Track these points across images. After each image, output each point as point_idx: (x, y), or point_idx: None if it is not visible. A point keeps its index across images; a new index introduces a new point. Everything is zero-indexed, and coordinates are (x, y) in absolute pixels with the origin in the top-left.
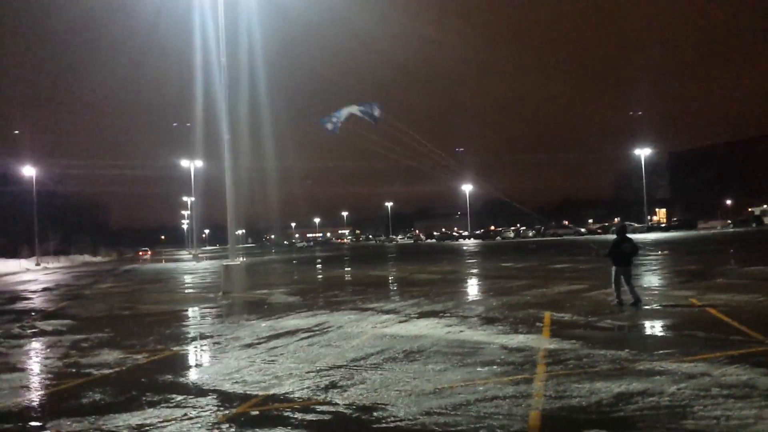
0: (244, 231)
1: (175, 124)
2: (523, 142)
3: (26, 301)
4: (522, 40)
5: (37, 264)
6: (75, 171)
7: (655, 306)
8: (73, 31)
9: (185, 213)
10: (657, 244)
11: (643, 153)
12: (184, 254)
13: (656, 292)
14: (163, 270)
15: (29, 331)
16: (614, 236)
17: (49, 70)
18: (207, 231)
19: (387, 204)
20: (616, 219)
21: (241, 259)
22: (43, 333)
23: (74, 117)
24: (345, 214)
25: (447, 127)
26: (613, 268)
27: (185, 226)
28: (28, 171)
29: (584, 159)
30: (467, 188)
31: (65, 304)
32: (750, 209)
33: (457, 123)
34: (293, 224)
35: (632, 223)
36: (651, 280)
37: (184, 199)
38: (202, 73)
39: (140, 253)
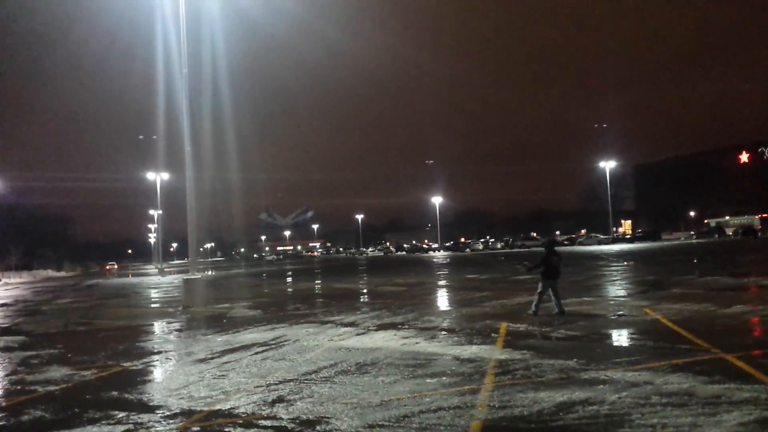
0: (213, 244)
1: (141, 137)
2: (493, 153)
3: None
4: (490, 52)
5: None
6: (39, 184)
7: (609, 316)
8: (36, 41)
9: (152, 227)
10: (619, 255)
11: (608, 165)
12: (151, 268)
13: (612, 302)
14: (126, 284)
15: None
16: (543, 249)
17: (10, 81)
18: (175, 245)
19: (358, 216)
20: (582, 230)
21: (202, 273)
22: None
23: (38, 129)
24: (316, 226)
25: (417, 138)
26: (543, 281)
27: (152, 240)
28: None
29: (554, 171)
30: (437, 200)
31: (20, 320)
32: (706, 221)
33: (426, 134)
34: (263, 237)
35: (597, 235)
36: (609, 290)
37: (151, 212)
38: (166, 85)
39: (107, 267)
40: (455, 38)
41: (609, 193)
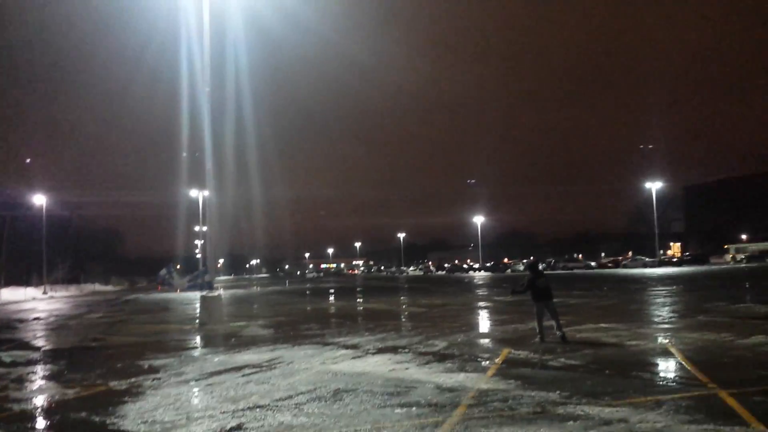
0: (258, 261)
1: (184, 154)
2: (539, 174)
3: (9, 331)
4: (537, 72)
5: (44, 292)
6: (89, 199)
7: (619, 344)
8: (64, 60)
9: (198, 242)
10: (660, 280)
11: (654, 186)
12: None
13: (628, 329)
14: (162, 300)
15: None
16: (527, 273)
17: (60, 103)
18: (222, 260)
19: (400, 235)
20: (629, 253)
21: (219, 290)
22: None
23: (89, 148)
24: (358, 244)
25: (460, 158)
26: (535, 305)
27: (198, 256)
28: (39, 199)
29: (600, 192)
30: (479, 220)
31: (42, 335)
32: (726, 246)
33: (470, 155)
34: (307, 254)
35: (643, 258)
36: (632, 316)
37: (196, 228)
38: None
39: (159, 284)
40: (499, 60)
41: (655, 215)
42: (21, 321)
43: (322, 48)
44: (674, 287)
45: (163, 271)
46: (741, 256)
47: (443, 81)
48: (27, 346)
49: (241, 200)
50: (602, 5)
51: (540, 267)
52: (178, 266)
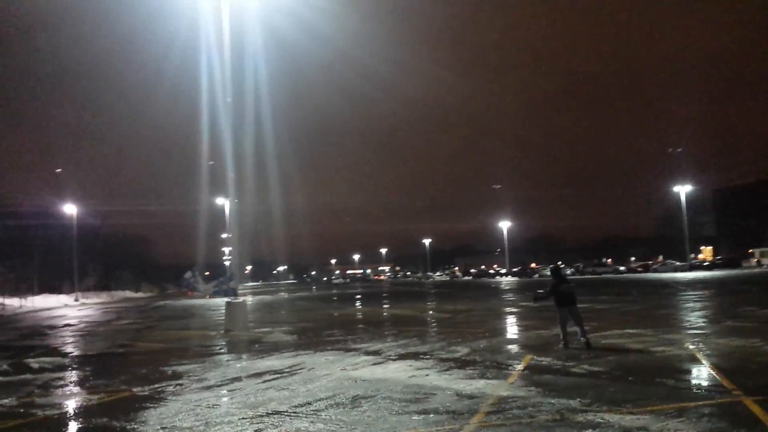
0: (286, 267)
1: (211, 162)
2: (567, 179)
3: (39, 337)
4: (562, 76)
5: (76, 300)
6: (119, 208)
7: (644, 350)
8: (87, 72)
9: (226, 250)
10: (690, 284)
11: (683, 190)
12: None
13: (655, 335)
14: (190, 306)
15: (12, 369)
16: (552, 278)
17: (87, 113)
18: (249, 267)
19: (426, 241)
20: (659, 257)
21: (243, 297)
22: (24, 370)
23: (116, 157)
24: (384, 250)
25: (483, 165)
26: (558, 311)
27: (227, 263)
28: (70, 208)
29: (629, 196)
30: (505, 225)
31: (71, 341)
32: (750, 251)
33: (492, 161)
34: (333, 261)
35: (673, 262)
36: (659, 321)
37: (223, 236)
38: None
39: (190, 291)
40: (523, 66)
41: (686, 218)
42: (51, 327)
43: (341, 59)
44: (704, 292)
45: (188, 274)
46: (766, 259)
47: (466, 89)
48: (55, 352)
49: (268, 208)
50: (628, 10)
51: (563, 272)
52: (207, 273)
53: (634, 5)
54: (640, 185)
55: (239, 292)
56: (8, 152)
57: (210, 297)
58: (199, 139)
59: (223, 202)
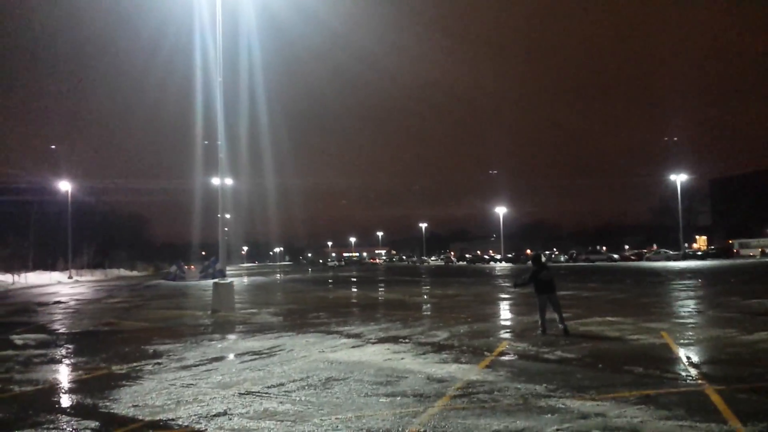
0: (282, 249)
1: (206, 142)
2: (564, 166)
3: (28, 314)
4: (560, 64)
5: (70, 277)
6: (115, 186)
7: (620, 338)
8: (82, 51)
9: (224, 230)
10: (681, 273)
11: (679, 179)
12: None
13: (633, 323)
14: (183, 286)
15: None
16: (532, 265)
17: (82, 92)
18: (246, 248)
19: (422, 225)
20: (654, 246)
21: (231, 278)
22: (8, 347)
23: (114, 136)
24: (380, 234)
25: (480, 150)
26: (537, 297)
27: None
28: (64, 185)
29: (625, 184)
30: (501, 211)
31: (58, 318)
32: (730, 241)
33: (490, 146)
34: (329, 243)
35: (667, 251)
36: (640, 310)
37: (220, 216)
38: (229, 95)
39: (188, 267)
40: (521, 53)
41: (680, 207)
42: (41, 305)
43: (336, 41)
44: (693, 281)
45: (173, 268)
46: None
47: (464, 74)
48: (42, 329)
49: (265, 190)
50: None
51: (543, 259)
52: (203, 252)
53: None
54: (638, 174)
55: (230, 272)
56: (3, 129)
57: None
58: (194, 118)
59: (219, 183)
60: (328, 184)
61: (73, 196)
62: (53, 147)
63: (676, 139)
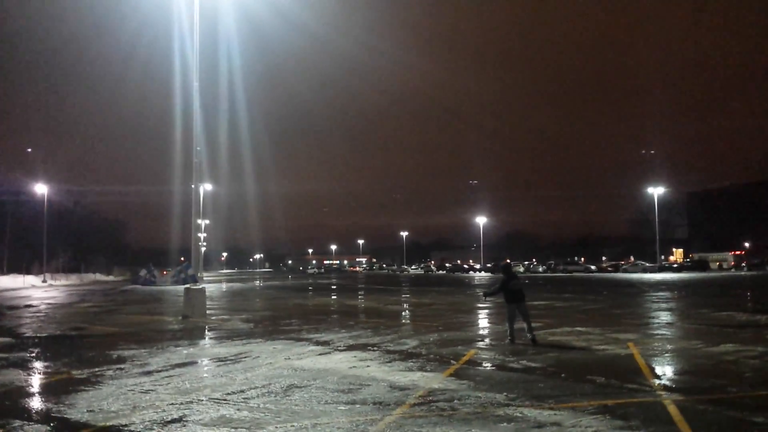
0: (262, 255)
1: (197, 148)
2: (544, 178)
3: None
4: (537, 77)
5: (44, 281)
6: (93, 189)
7: (587, 348)
8: (59, 55)
9: (201, 236)
10: (654, 285)
11: (656, 192)
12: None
13: (601, 334)
14: (158, 291)
15: None
16: (501, 275)
17: (60, 94)
18: (225, 254)
19: (403, 234)
20: (631, 257)
21: (203, 284)
22: None
23: (91, 140)
24: (361, 242)
25: (463, 160)
26: (507, 306)
27: (203, 249)
28: (40, 188)
29: (603, 197)
30: (481, 221)
31: (26, 322)
32: (691, 255)
33: (470, 156)
34: (310, 250)
35: (643, 263)
36: (610, 321)
37: (198, 221)
38: (209, 101)
39: (163, 272)
40: (502, 63)
41: (657, 220)
42: (11, 308)
43: (317, 46)
44: (666, 293)
45: (143, 272)
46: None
47: (446, 81)
48: (6, 333)
49: (246, 195)
50: (607, 11)
51: (513, 269)
52: (182, 258)
53: (619, 10)
54: (617, 186)
55: (208, 278)
56: None
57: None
58: (173, 123)
59: (197, 188)
60: (310, 191)
61: (50, 199)
62: (29, 150)
63: (653, 152)
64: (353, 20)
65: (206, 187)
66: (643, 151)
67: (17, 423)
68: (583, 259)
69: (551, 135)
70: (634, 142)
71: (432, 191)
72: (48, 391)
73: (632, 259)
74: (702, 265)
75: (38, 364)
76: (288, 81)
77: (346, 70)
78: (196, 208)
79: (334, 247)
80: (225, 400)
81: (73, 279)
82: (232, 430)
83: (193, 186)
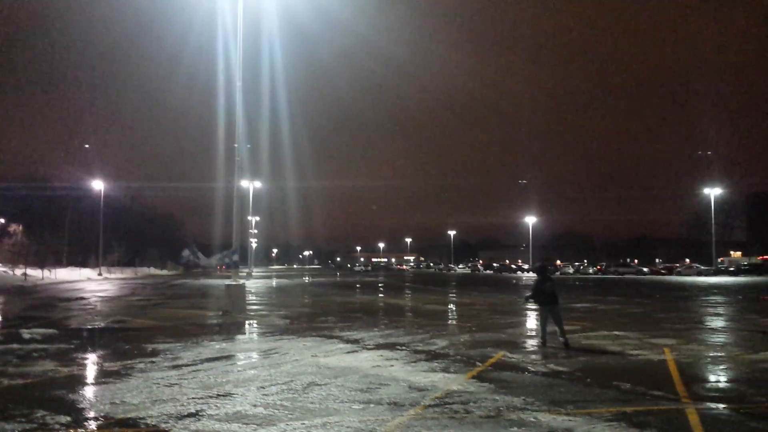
0: (311, 252)
1: (236, 145)
2: (599, 177)
3: (46, 309)
4: (595, 73)
5: (99, 274)
6: (150, 186)
7: (620, 353)
8: (106, 57)
9: (252, 232)
10: (708, 289)
11: (713, 193)
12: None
13: (639, 338)
14: (206, 285)
15: (3, 338)
16: (535, 276)
17: (115, 95)
18: (276, 250)
19: (450, 232)
20: (686, 260)
21: (243, 280)
22: (14, 340)
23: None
24: (409, 240)
25: (511, 159)
26: (539, 309)
27: (254, 245)
28: (97, 184)
29: (659, 197)
30: (530, 220)
31: (74, 314)
32: (721, 259)
33: (522, 155)
34: (359, 248)
35: (699, 266)
36: (651, 325)
37: (249, 218)
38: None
39: (221, 267)
40: (554, 62)
41: (713, 222)
42: (63, 300)
43: (360, 45)
44: (718, 298)
45: (185, 252)
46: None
47: (494, 80)
48: (53, 324)
49: (296, 193)
50: (665, 10)
51: (548, 271)
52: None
53: (675, 4)
54: (674, 187)
55: (258, 273)
56: (41, 129)
57: (221, 269)
58: (219, 122)
59: (247, 185)
60: (359, 189)
61: (107, 195)
62: (87, 146)
63: (710, 152)
64: (396, 20)
65: (255, 185)
66: (700, 152)
67: (41, 413)
68: (636, 260)
69: (604, 133)
70: (693, 142)
71: (481, 190)
72: (77, 382)
73: (687, 261)
74: (760, 269)
75: (74, 356)
76: (333, 80)
77: (390, 69)
78: (236, 204)
79: (382, 245)
80: (244, 395)
81: (128, 272)
82: (243, 425)
83: (242, 183)
